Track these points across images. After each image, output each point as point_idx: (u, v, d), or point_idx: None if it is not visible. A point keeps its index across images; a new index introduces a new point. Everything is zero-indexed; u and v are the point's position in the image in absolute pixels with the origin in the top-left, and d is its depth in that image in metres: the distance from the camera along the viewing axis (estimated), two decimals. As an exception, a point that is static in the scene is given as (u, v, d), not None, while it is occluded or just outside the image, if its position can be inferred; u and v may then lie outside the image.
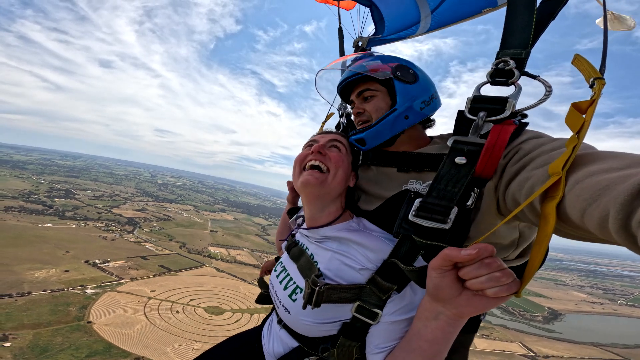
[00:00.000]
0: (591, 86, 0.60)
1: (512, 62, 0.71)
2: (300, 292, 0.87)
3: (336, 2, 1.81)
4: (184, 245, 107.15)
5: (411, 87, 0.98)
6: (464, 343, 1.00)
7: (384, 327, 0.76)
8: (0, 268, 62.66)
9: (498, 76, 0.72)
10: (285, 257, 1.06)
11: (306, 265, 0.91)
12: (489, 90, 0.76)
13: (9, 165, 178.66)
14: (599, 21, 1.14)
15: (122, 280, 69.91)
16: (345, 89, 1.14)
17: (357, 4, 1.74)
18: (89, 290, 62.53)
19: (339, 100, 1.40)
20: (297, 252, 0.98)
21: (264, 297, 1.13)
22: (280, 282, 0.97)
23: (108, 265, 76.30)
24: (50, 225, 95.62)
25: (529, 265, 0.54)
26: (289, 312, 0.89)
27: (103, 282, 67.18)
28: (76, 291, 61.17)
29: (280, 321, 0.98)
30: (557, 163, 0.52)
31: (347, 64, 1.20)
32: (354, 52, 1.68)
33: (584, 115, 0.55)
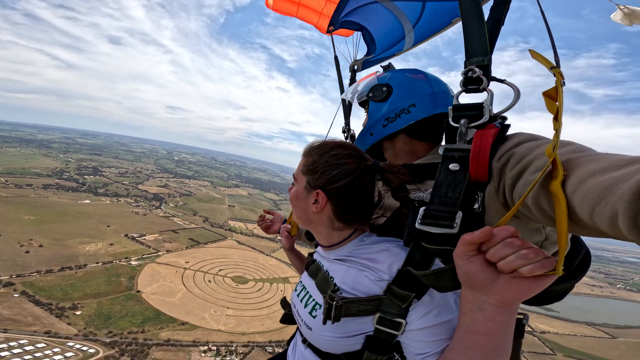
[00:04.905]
0: (554, 75, 0.68)
1: (478, 70, 0.75)
2: (320, 308, 0.88)
3: (329, 34, 1.99)
4: (206, 220, 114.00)
5: (379, 105, 1.06)
6: (514, 349, 0.95)
7: (417, 334, 0.75)
8: (56, 243, 70.14)
9: (469, 84, 0.77)
10: (304, 275, 1.08)
11: (323, 281, 0.92)
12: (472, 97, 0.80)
13: (34, 145, 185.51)
14: (614, 16, 1.20)
15: (159, 253, 76.94)
16: None
17: (354, 31, 1.91)
18: (133, 262, 69.74)
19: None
20: (314, 269, 1.00)
21: (288, 317, 1.13)
22: (301, 301, 0.99)
23: (145, 239, 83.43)
24: (88, 201, 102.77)
25: (558, 242, 0.56)
26: (310, 329, 0.90)
27: (144, 254, 74.29)
28: (122, 263, 68.31)
29: (304, 340, 0.98)
30: (549, 148, 0.56)
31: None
32: (351, 75, 1.93)
33: (557, 103, 0.62)
